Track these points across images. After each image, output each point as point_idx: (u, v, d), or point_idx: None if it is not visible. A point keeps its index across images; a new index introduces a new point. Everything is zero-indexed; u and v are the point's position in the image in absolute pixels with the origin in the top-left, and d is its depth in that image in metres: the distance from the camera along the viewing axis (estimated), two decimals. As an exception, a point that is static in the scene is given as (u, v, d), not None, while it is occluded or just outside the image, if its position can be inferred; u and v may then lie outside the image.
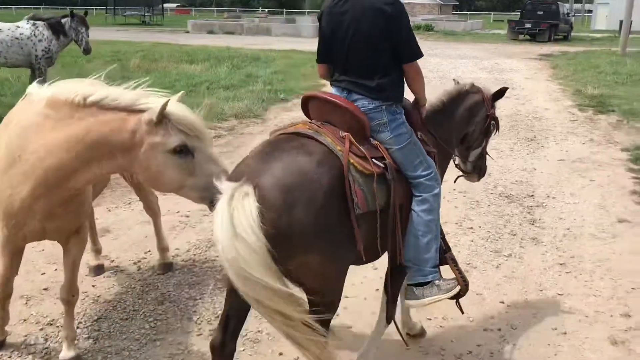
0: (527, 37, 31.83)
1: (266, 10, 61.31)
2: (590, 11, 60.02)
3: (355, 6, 2.70)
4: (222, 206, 2.20)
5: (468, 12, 74.13)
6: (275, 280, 2.21)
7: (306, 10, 73.49)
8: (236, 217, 2.16)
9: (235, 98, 10.63)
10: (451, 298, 2.90)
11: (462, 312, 3.17)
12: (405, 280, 2.93)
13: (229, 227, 2.15)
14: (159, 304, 3.72)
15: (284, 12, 64.85)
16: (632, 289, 4.00)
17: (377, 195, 2.55)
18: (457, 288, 2.88)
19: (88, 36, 9.27)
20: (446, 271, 2.96)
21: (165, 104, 2.43)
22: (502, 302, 3.87)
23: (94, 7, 51.58)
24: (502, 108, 9.18)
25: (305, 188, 2.33)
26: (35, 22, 8.94)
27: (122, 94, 2.55)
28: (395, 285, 2.96)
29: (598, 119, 10.03)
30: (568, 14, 37.12)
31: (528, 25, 31.55)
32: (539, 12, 32.55)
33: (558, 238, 4.86)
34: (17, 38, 8.70)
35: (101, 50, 17.20)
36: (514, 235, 4.95)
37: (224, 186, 2.27)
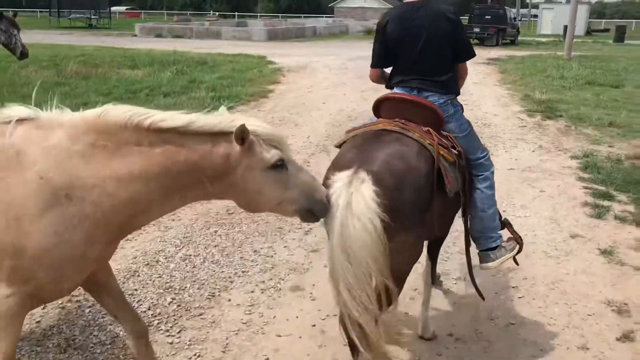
0: (476, 41, 32.18)
1: (217, 13, 60.39)
2: (535, 16, 61.39)
3: (427, 14, 3.09)
4: (341, 191, 2.48)
5: (419, 17, 74.84)
6: (384, 259, 2.48)
7: (258, 14, 73.01)
8: (355, 200, 2.44)
9: (175, 105, 10.08)
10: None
11: (517, 264, 3.74)
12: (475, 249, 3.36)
13: (349, 209, 2.42)
14: (61, 351, 3.23)
15: (236, 16, 64.14)
16: (588, 315, 3.72)
17: (458, 179, 2.96)
18: (517, 246, 3.38)
19: (21, 39, 8.64)
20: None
21: (244, 124, 2.25)
22: (451, 335, 3.53)
23: (37, 10, 49.90)
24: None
25: (410, 174, 2.68)
26: None
27: (205, 117, 2.35)
28: (436, 254, 3.58)
29: (547, 124, 9.92)
30: (515, 18, 37.79)
31: (476, 30, 31.91)
32: (486, 17, 32.93)
33: (508, 257, 4.56)
34: None
35: (39, 54, 16.35)
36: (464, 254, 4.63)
37: (339, 175, 2.54)
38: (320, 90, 13.18)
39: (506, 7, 37.40)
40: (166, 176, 2.23)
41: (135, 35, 32.90)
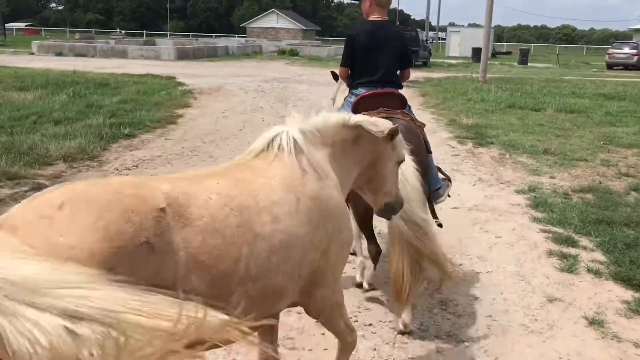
0: (390, 63, 32.14)
1: (123, 32, 57.86)
2: (443, 39, 63.17)
3: (388, 31, 4.23)
4: None
5: (330, 38, 75.36)
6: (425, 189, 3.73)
7: (168, 33, 70.84)
8: (406, 170, 3.33)
9: (67, 135, 8.69)
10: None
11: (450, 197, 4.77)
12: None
13: (402, 177, 3.21)
14: None
15: (144, 34, 61.80)
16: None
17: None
18: (449, 183, 4.66)
19: None
20: None
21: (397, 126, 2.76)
22: None
23: None
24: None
25: (421, 144, 3.90)
26: None
27: (373, 119, 2.80)
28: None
29: (479, 152, 9.34)
30: (426, 40, 38.32)
31: (390, 51, 31.85)
32: (400, 39, 33.00)
33: (481, 333, 3.67)
34: None
35: None
36: (425, 331, 3.70)
37: None
38: (236, 115, 12.09)
39: (418, 30, 37.90)
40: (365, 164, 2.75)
41: (32, 54, 30.48)
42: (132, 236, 1.71)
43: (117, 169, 7.52)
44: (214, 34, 68.05)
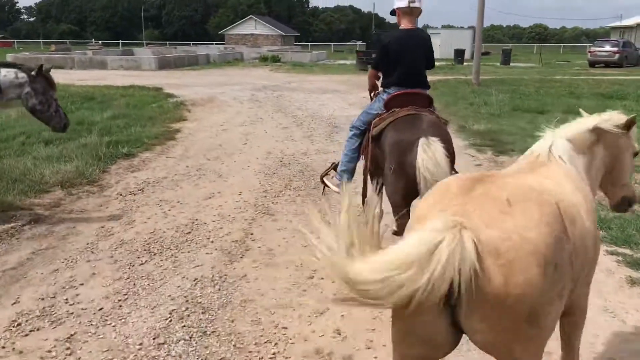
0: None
1: (99, 42, 56.70)
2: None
3: (415, 37, 4.73)
4: (427, 150, 3.93)
5: (309, 43, 74.90)
6: None
7: (144, 42, 69.74)
8: (437, 155, 3.91)
9: (61, 157, 7.99)
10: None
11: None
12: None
13: (434, 160, 3.89)
14: None
15: (120, 44, 60.68)
16: None
17: None
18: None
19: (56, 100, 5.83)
20: None
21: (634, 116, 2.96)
22: None
23: None
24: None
25: (447, 133, 4.33)
26: None
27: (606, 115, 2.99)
28: None
29: (502, 161, 8.83)
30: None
31: (375, 55, 31.38)
32: (384, 42, 32.60)
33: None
34: None
35: None
36: None
37: (421, 141, 3.99)
38: (236, 127, 11.45)
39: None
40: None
41: (6, 67, 29.43)
42: (559, 229, 1.99)
43: (121, 194, 6.85)
44: (191, 42, 67.14)
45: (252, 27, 65.87)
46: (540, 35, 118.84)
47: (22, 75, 5.49)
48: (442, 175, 3.69)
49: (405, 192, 4.18)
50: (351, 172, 4.93)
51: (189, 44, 62.29)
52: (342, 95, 16.59)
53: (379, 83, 5.02)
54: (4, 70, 5.47)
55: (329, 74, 29.18)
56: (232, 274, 4.58)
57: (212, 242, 5.30)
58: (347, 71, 30.83)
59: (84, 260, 4.89)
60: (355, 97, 16.24)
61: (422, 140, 3.99)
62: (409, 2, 4.63)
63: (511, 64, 40.02)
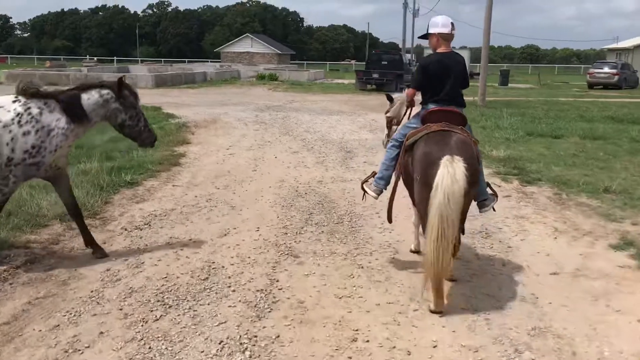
0: (374, 87, 31.34)
1: (95, 58, 56.17)
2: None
3: (452, 60, 5.10)
4: (448, 167, 4.27)
5: (305, 62, 74.72)
6: (467, 200, 4.59)
7: (139, 59, 69.31)
8: (457, 172, 4.24)
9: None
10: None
11: (495, 210, 5.47)
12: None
13: (453, 177, 4.23)
14: None
15: (115, 61, 60.18)
16: None
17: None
18: (496, 197, 5.36)
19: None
20: None
21: None
22: None
23: None
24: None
25: (474, 156, 4.61)
26: (33, 99, 5.00)
27: None
28: None
29: (531, 192, 8.27)
30: (410, 63, 37.64)
31: (375, 76, 31.10)
32: (383, 62, 32.30)
33: None
34: None
35: None
36: None
37: (444, 159, 4.33)
38: (243, 151, 10.86)
39: (401, 52, 37.30)
40: None
41: (1, 83, 28.78)
42: None
43: (126, 229, 6.23)
44: (186, 60, 66.80)
45: (248, 45, 65.65)
46: (532, 55, 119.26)
47: (105, 92, 5.10)
48: (458, 192, 4.24)
49: (428, 203, 4.45)
50: (387, 180, 5.37)
51: (184, 62, 61.94)
52: (350, 117, 16.03)
53: (416, 99, 5.50)
54: (85, 95, 5.06)
55: (329, 93, 28.73)
56: (262, 335, 3.95)
57: (234, 291, 4.67)
58: (347, 91, 30.40)
59: (89, 314, 4.25)
60: (364, 120, 15.71)
61: (446, 158, 4.36)
62: (452, 29, 5.18)
63: (509, 84, 39.80)
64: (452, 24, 5.16)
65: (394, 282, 4.93)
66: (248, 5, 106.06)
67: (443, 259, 4.25)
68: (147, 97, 20.79)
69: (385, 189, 5.34)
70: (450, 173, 4.23)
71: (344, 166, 9.62)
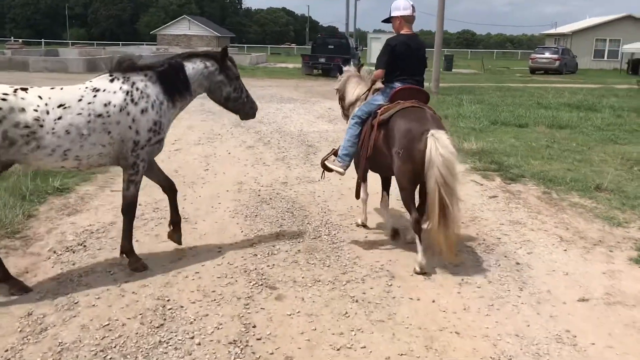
0: (320, 71, 30.33)
1: (20, 40, 52.54)
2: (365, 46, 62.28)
3: (415, 42, 5.31)
4: (436, 140, 4.51)
5: (245, 45, 72.72)
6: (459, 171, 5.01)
7: (69, 41, 65.66)
8: (446, 143, 4.52)
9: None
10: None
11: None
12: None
13: (445, 148, 4.50)
14: None
15: (43, 43, 56.60)
16: None
17: None
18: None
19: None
20: None
21: None
22: None
23: None
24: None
25: (445, 129, 4.81)
26: (130, 73, 4.50)
27: None
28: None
29: (517, 191, 7.50)
30: (356, 47, 36.76)
31: (322, 60, 30.18)
32: (330, 46, 31.31)
33: None
34: (100, 115, 4.26)
35: None
36: None
37: (430, 132, 4.56)
38: (192, 147, 9.65)
39: (347, 36, 36.32)
40: None
41: None
42: None
43: (55, 252, 5.02)
44: (120, 42, 63.64)
45: (185, 27, 62.98)
46: (467, 41, 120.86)
47: (210, 63, 4.76)
48: (454, 159, 4.57)
49: (412, 175, 4.75)
50: (351, 157, 5.46)
51: (118, 45, 59.00)
52: (304, 106, 14.93)
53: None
54: (190, 64, 4.69)
55: (275, 78, 27.55)
56: (246, 419, 2.91)
57: (199, 344, 3.58)
58: (293, 75, 29.29)
59: (0, 393, 3.10)
60: (320, 109, 14.65)
61: (432, 132, 4.57)
62: (412, 11, 5.36)
63: (452, 69, 39.54)
64: (412, 6, 5.39)
65: (399, 321, 3.95)
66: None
67: (451, 226, 4.57)
68: (77, 83, 19.07)
69: (349, 165, 5.49)
70: (442, 145, 4.50)
71: (308, 163, 8.58)
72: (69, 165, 4.25)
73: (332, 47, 31.26)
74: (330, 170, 5.53)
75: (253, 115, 5.17)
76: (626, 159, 9.48)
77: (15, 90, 3.98)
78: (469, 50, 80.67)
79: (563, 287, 4.58)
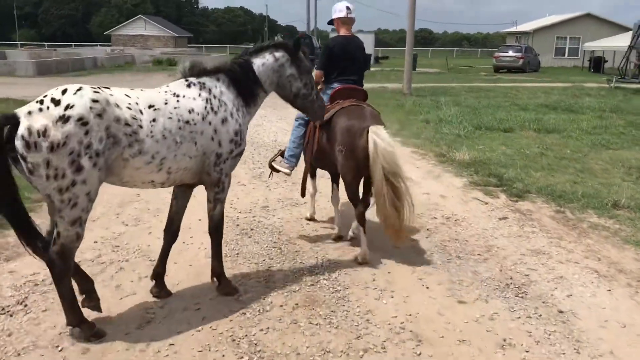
0: (286, 72, 29.30)
1: (-37, 41, 49.80)
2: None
3: (353, 43, 5.54)
4: (376, 135, 4.70)
5: (203, 45, 71.10)
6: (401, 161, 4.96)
7: (18, 43, 62.91)
8: (386, 138, 4.72)
9: None
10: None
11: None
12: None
13: (386, 142, 4.69)
14: None
15: (-12, 44, 53.93)
16: None
17: None
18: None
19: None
20: None
21: None
22: None
23: None
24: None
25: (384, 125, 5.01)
26: (203, 78, 4.03)
27: None
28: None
29: (528, 210, 6.68)
30: (320, 47, 35.90)
31: (286, 60, 29.10)
32: (293, 46, 30.26)
33: None
34: (188, 122, 3.77)
35: None
36: None
37: (370, 128, 4.74)
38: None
39: (312, 36, 35.45)
40: None
41: None
42: None
43: (-14, 316, 3.92)
44: (73, 43, 61.22)
45: (141, 27, 61.19)
46: (425, 39, 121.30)
47: (280, 55, 4.29)
48: (395, 151, 4.79)
49: (356, 172, 4.93)
50: (298, 157, 5.64)
51: (70, 46, 56.71)
52: (276, 112, 13.86)
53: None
54: (258, 60, 4.24)
55: (237, 80, 26.38)
56: None
57: None
58: (256, 77, 28.16)
59: None
60: (294, 114, 13.64)
61: (372, 128, 4.75)
62: (347, 13, 5.51)
63: (416, 69, 39.03)
64: (347, 7, 5.54)
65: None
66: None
67: (401, 212, 4.74)
68: (28, 89, 17.69)
69: (296, 166, 5.66)
70: (383, 139, 4.69)
71: (288, 181, 7.58)
72: (159, 178, 3.70)
73: (296, 47, 30.30)
74: (277, 171, 5.72)
75: (322, 117, 4.77)
76: (627, 166, 8.83)
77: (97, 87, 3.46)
78: (429, 48, 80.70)
79: (626, 347, 3.74)
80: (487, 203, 6.95)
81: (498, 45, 47.00)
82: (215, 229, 4.24)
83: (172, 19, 78.54)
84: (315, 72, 5.25)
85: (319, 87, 5.44)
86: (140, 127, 3.45)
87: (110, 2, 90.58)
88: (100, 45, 59.64)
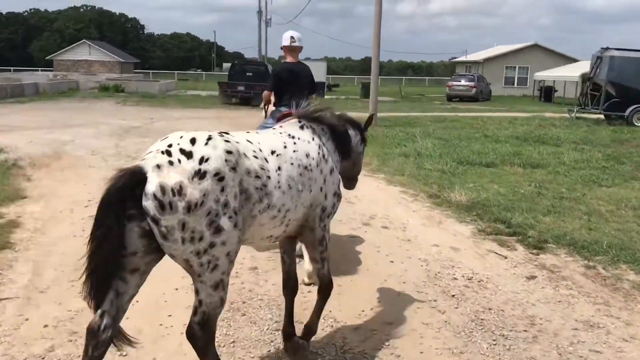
0: (239, 100, 28.21)
1: None
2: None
3: (302, 69, 5.85)
4: None
5: (150, 71, 69.32)
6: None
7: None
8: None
9: None
10: None
11: None
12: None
13: None
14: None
15: None
16: None
17: None
18: None
19: None
20: None
21: None
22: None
23: None
24: (410, 270, 4.57)
25: None
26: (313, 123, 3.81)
27: None
28: None
29: (554, 266, 5.84)
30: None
31: (241, 88, 28.19)
32: (248, 74, 29.37)
33: None
34: (306, 168, 3.41)
35: None
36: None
37: None
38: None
39: (266, 64, 34.58)
40: None
41: None
42: None
43: None
44: (12, 68, 58.43)
45: (85, 52, 59.02)
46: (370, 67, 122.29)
47: (355, 132, 4.31)
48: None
49: None
50: None
51: (9, 70, 54.06)
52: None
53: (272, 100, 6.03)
54: (352, 131, 4.26)
55: (190, 107, 25.27)
56: None
57: None
58: (210, 105, 27.11)
59: None
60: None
61: None
62: (291, 42, 5.94)
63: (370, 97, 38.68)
64: (291, 37, 5.91)
65: None
66: (82, 10, 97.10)
67: None
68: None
69: None
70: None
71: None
72: (277, 232, 3.30)
73: (251, 74, 29.40)
74: None
75: (354, 186, 4.82)
76: (631, 207, 8.21)
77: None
78: (379, 77, 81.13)
79: None
80: (506, 257, 6.08)
81: (450, 74, 47.42)
82: (326, 290, 3.82)
83: (117, 44, 76.47)
84: (264, 93, 6.07)
85: (270, 105, 6.04)
86: (269, 177, 3.06)
87: (53, 27, 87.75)
88: (42, 70, 57.15)
